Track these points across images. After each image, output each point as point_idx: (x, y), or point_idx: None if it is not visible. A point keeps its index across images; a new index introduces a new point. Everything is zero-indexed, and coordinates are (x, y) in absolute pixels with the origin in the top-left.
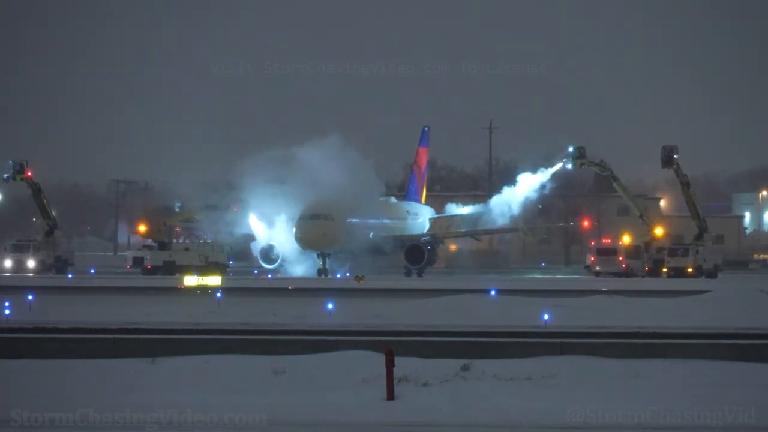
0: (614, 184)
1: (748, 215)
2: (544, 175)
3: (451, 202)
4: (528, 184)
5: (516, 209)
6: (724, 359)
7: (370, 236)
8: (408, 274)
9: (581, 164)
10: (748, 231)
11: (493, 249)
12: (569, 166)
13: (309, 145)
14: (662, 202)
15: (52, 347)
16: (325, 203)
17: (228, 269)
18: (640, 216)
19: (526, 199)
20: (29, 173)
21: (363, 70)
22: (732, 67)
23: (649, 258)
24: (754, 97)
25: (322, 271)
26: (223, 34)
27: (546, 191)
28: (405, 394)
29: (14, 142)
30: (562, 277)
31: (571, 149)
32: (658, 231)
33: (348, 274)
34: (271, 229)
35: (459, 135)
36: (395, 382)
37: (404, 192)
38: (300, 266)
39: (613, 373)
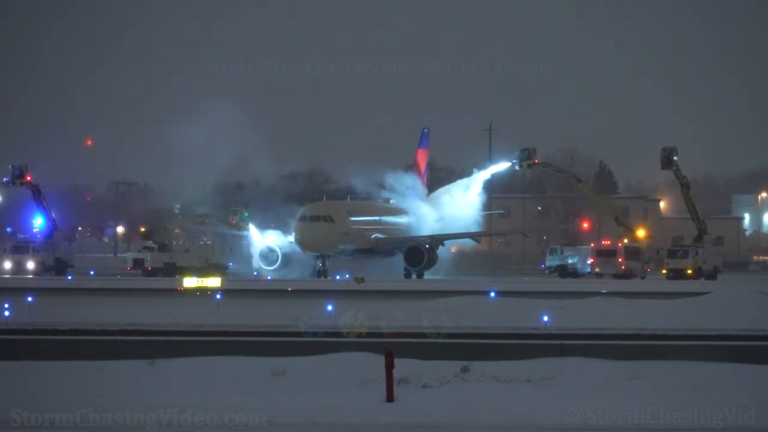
0: (579, 186)
1: (747, 217)
2: (482, 174)
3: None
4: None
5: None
6: (724, 360)
7: (370, 238)
8: (408, 275)
9: (528, 166)
10: (747, 233)
11: (493, 250)
12: (517, 167)
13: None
14: (662, 204)
15: (52, 348)
16: (324, 205)
17: (228, 271)
18: (616, 218)
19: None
20: (29, 178)
21: (363, 70)
22: (732, 68)
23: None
24: (754, 98)
25: (321, 273)
26: (224, 34)
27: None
28: (405, 395)
29: (14, 143)
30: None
31: (518, 152)
32: (640, 233)
33: (347, 276)
34: (268, 230)
35: (459, 136)
36: (395, 383)
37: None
38: (300, 268)
39: (612, 375)
